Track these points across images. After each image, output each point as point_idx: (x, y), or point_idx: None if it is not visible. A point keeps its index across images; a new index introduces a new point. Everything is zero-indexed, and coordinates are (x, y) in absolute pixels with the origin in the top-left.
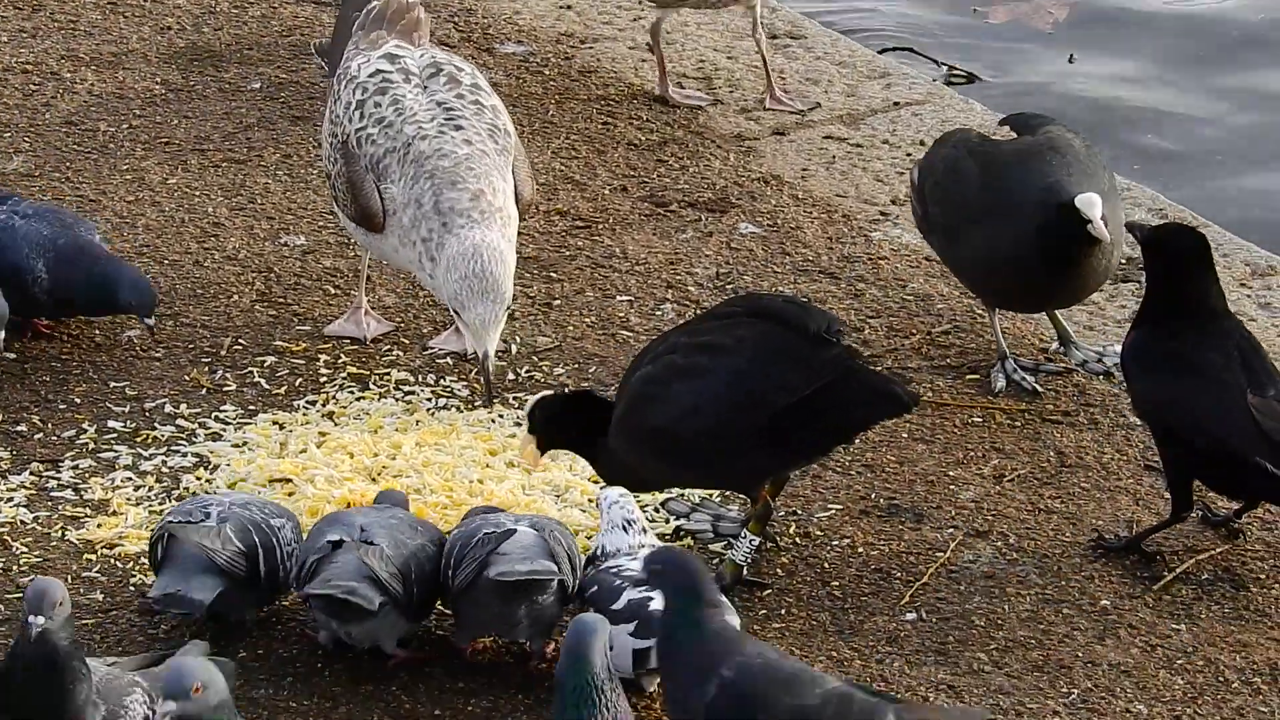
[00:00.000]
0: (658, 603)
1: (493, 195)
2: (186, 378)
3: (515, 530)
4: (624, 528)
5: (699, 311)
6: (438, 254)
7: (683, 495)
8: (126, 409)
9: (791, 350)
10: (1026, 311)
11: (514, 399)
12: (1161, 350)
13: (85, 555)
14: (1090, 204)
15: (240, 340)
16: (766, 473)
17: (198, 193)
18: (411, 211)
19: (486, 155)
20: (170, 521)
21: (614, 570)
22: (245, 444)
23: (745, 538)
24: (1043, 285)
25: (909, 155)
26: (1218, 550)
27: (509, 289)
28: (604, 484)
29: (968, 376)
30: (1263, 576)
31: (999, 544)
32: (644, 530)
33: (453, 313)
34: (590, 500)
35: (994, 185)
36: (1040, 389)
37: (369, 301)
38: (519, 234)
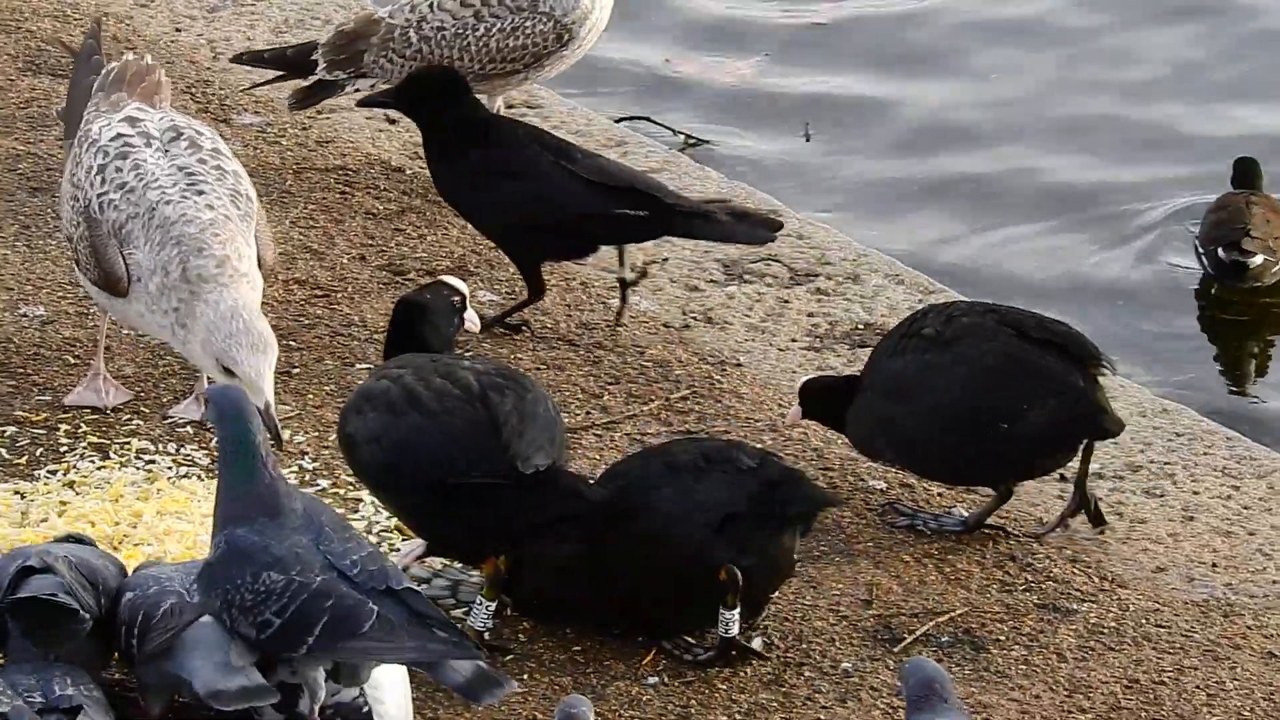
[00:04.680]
0: None
1: (238, 260)
2: None
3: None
4: None
5: None
6: (189, 322)
7: (423, 561)
8: None
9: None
10: None
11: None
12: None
13: None
14: None
15: None
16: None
17: None
18: (159, 279)
19: (230, 220)
20: None
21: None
22: None
23: (480, 604)
24: None
25: None
26: (957, 612)
27: (274, 340)
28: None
29: None
30: (1002, 638)
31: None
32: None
33: (218, 371)
34: None
35: None
36: None
37: (108, 369)
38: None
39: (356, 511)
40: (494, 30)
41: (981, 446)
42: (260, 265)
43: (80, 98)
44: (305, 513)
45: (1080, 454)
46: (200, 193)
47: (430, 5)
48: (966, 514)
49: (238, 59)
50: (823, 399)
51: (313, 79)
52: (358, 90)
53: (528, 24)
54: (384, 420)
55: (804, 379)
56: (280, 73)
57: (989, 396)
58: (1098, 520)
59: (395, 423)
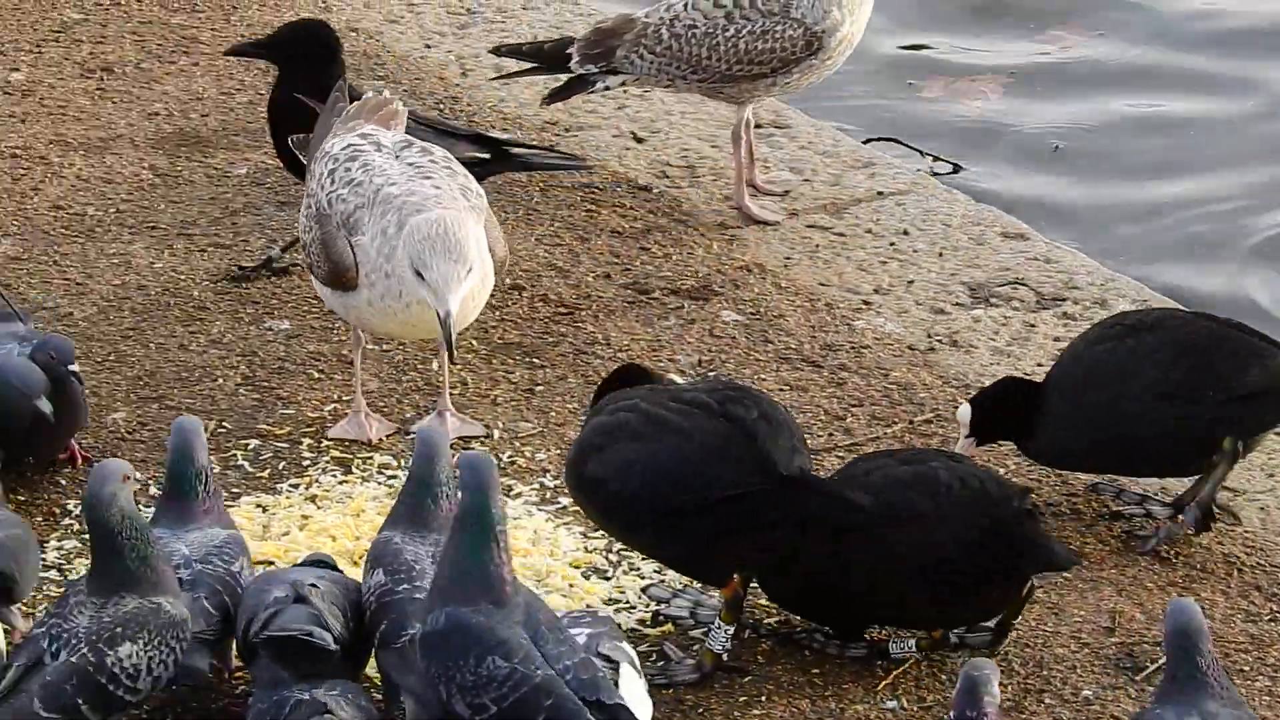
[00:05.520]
0: None
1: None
2: None
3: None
4: None
5: None
6: (396, 245)
7: (664, 581)
8: None
9: None
10: None
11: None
12: None
13: None
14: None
15: (224, 424)
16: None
17: (183, 277)
18: (378, 243)
19: (456, 201)
20: None
21: None
22: None
23: (719, 626)
24: None
25: (892, 244)
26: None
27: (472, 254)
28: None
29: None
30: (1246, 669)
31: None
32: None
33: (414, 276)
34: (570, 585)
35: None
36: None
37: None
38: (503, 319)
39: (599, 530)
40: (743, 32)
41: (1195, 416)
42: (491, 254)
43: (322, 137)
44: (526, 606)
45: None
46: (427, 178)
47: (684, 4)
48: (1191, 511)
49: (495, 50)
50: (1004, 409)
51: (567, 76)
52: (608, 87)
53: (778, 28)
54: (633, 449)
55: (969, 399)
56: (534, 65)
57: (1200, 368)
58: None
59: (647, 448)
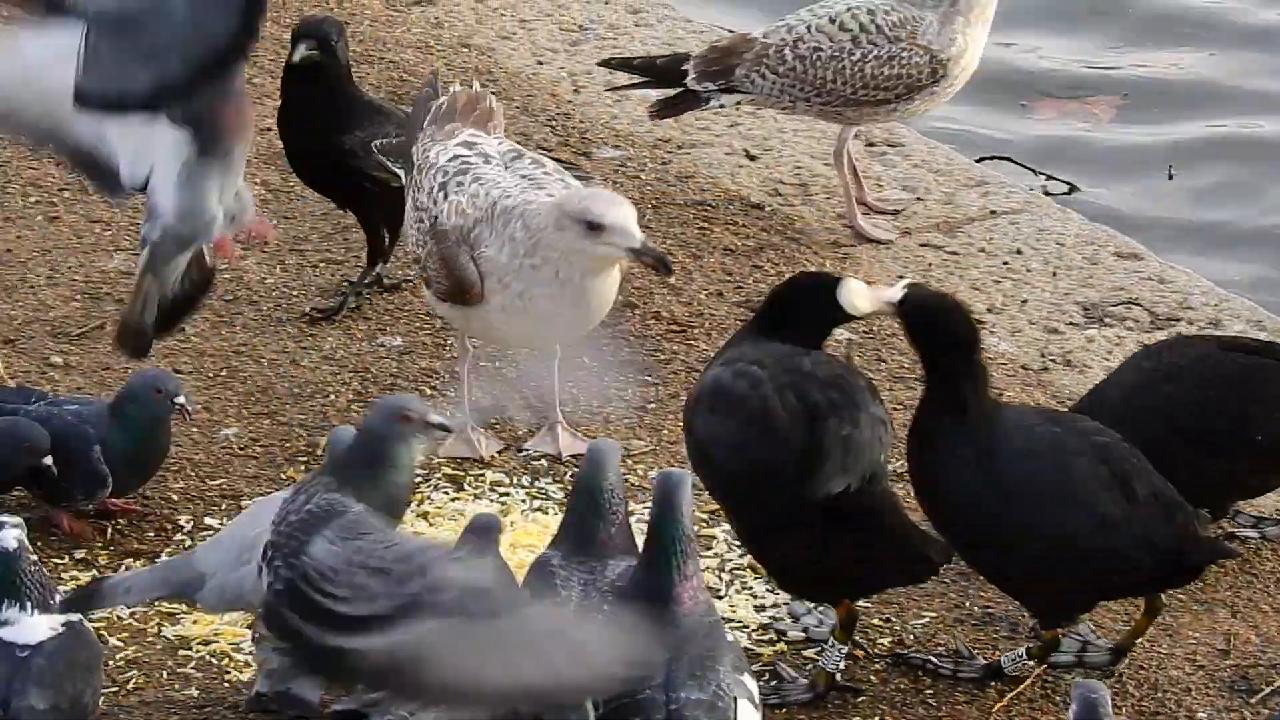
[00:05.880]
0: None
1: None
2: (283, 476)
3: None
4: None
5: None
6: (539, 237)
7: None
8: (223, 506)
9: None
10: None
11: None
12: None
13: (181, 651)
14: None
15: None
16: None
17: (295, 292)
18: (507, 249)
19: None
20: None
21: None
22: None
23: (833, 645)
24: None
25: (1005, 264)
26: None
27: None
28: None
29: None
30: None
31: None
32: None
33: (584, 238)
34: None
35: None
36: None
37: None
38: (616, 336)
39: (710, 548)
40: (869, 57)
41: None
42: None
43: (414, 136)
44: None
45: None
46: (540, 188)
47: (808, 27)
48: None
49: (606, 63)
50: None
51: (678, 90)
52: (722, 105)
53: (904, 54)
54: (726, 428)
55: None
56: (645, 80)
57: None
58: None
59: (738, 434)
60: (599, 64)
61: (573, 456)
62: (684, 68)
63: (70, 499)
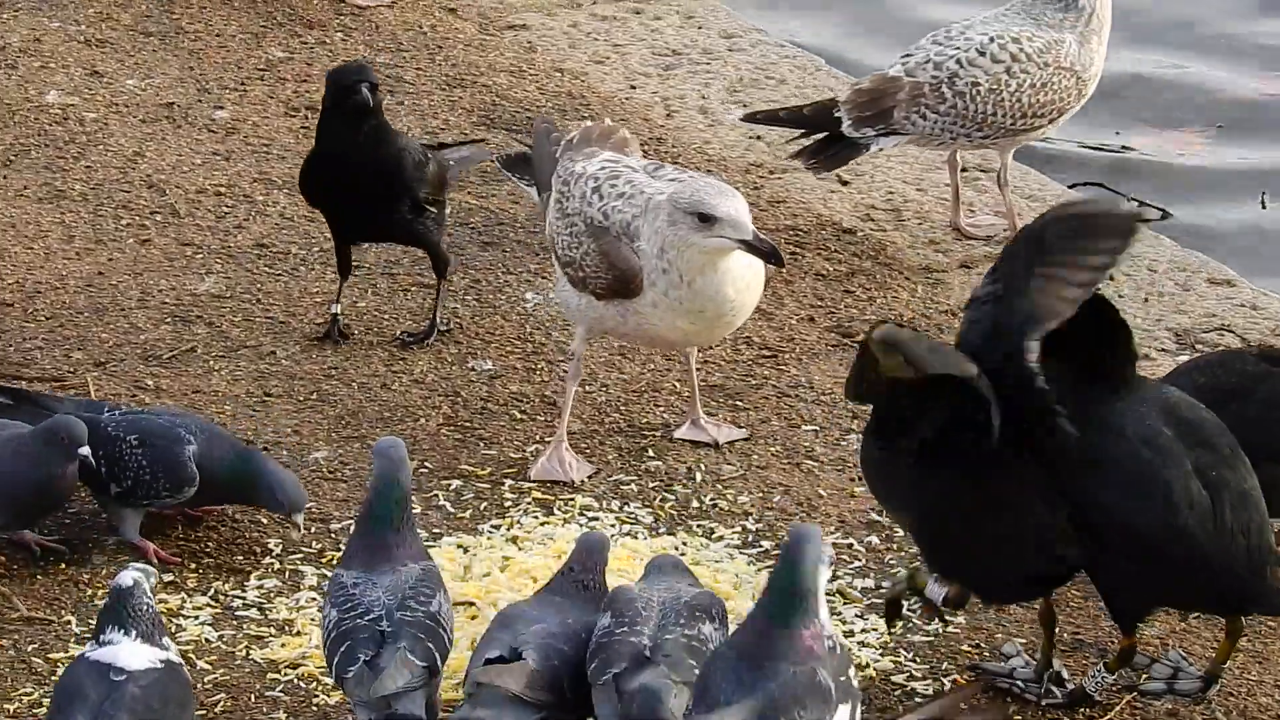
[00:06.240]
0: None
1: None
2: None
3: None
4: None
5: None
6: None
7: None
8: (312, 529)
9: None
10: None
11: (698, 526)
12: None
13: (269, 675)
14: None
15: (426, 463)
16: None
17: (386, 316)
18: (654, 241)
19: None
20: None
21: None
22: None
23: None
24: None
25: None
26: None
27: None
28: None
29: None
30: None
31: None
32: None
33: (698, 232)
34: None
35: None
36: None
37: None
38: (706, 360)
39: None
40: (1025, 85)
41: None
42: None
43: (547, 160)
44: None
45: None
46: None
47: (958, 61)
48: None
49: (750, 118)
50: None
51: (825, 135)
52: (881, 150)
53: (1054, 79)
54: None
55: None
56: (799, 131)
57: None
58: None
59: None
60: (743, 119)
61: (729, 443)
62: (835, 114)
63: (156, 496)
